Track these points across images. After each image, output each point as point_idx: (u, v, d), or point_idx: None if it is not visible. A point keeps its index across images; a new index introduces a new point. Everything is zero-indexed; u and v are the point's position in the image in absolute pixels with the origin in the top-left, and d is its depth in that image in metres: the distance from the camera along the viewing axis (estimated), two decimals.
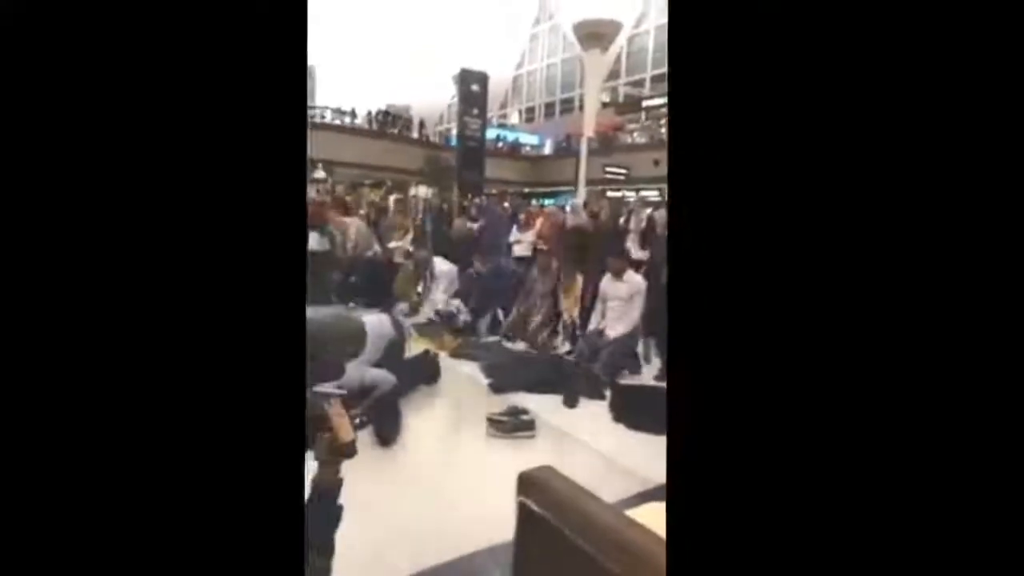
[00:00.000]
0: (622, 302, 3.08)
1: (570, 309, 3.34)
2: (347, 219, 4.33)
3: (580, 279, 3.42)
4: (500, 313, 3.64)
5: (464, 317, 3.60)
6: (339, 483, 0.97)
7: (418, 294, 3.91)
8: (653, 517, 0.90)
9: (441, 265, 3.96)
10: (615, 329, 3.06)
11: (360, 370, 2.15)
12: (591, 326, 3.21)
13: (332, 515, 0.97)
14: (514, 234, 4.75)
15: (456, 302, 3.73)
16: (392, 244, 4.75)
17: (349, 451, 0.98)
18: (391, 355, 2.38)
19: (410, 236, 4.93)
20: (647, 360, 3.20)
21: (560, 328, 3.37)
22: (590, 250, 3.76)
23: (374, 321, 2.43)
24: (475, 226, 4.99)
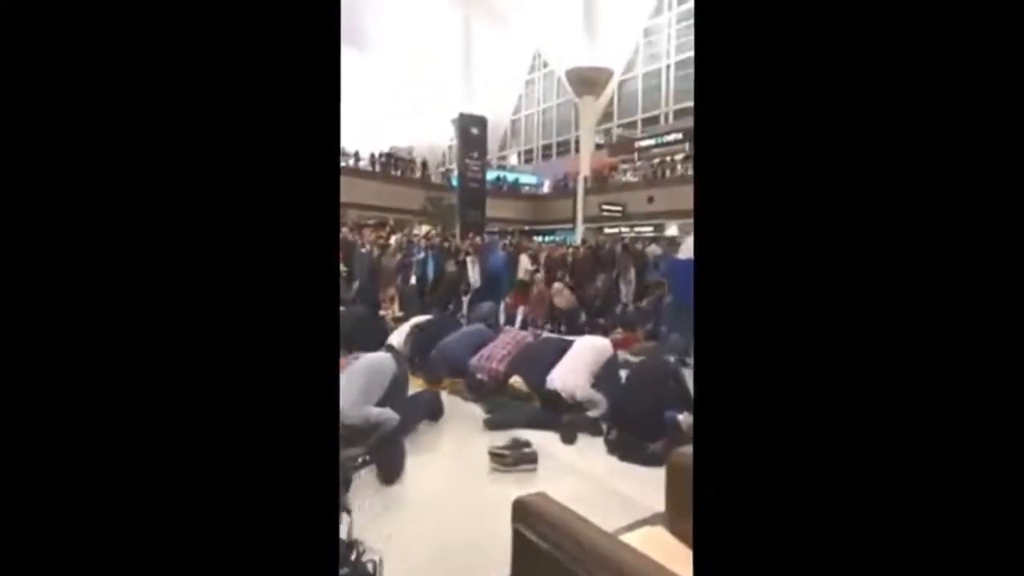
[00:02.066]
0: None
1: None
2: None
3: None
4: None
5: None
6: None
7: None
8: (646, 541, 0.93)
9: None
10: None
11: (364, 409, 2.17)
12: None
13: None
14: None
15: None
16: (381, 312, 5.05)
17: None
18: (394, 391, 2.39)
19: (397, 303, 5.25)
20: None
21: None
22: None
23: (374, 359, 2.45)
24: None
